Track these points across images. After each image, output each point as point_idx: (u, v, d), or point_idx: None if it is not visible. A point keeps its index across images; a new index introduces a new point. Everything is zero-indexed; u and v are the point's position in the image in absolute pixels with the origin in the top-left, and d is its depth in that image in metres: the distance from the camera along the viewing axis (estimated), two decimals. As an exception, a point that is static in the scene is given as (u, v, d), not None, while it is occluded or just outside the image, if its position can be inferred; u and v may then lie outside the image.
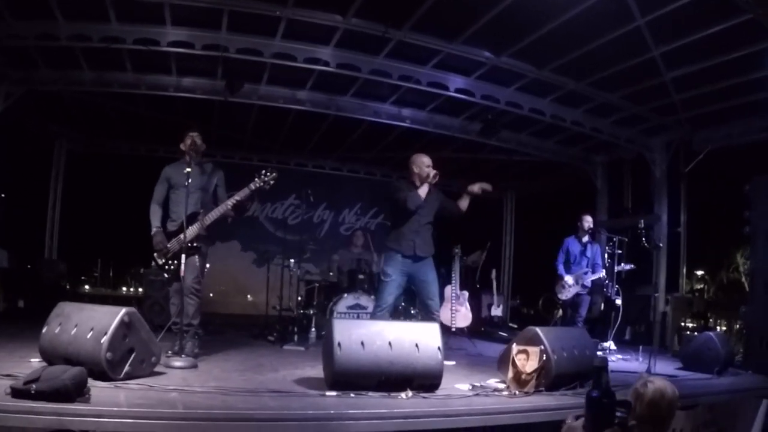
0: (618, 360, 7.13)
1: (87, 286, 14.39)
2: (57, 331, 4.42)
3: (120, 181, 10.71)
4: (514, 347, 4.88)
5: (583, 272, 7.91)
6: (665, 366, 6.49)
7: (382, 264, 6.33)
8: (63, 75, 8.15)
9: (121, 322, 4.23)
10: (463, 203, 6.31)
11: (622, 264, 7.78)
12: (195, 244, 5.49)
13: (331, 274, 8.94)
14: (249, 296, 11.37)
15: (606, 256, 7.76)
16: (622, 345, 8.44)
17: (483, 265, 10.27)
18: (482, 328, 9.95)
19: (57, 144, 10.95)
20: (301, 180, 11.81)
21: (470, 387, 4.81)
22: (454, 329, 8.15)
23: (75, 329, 4.33)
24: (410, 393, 4.29)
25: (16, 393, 3.38)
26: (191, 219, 5.44)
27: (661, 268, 9.20)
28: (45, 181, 10.71)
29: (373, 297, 7.87)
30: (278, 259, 8.73)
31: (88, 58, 7.86)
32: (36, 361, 4.49)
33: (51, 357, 4.34)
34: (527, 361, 4.81)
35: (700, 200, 9.91)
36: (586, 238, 8.08)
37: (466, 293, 8.42)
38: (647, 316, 8.92)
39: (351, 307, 7.85)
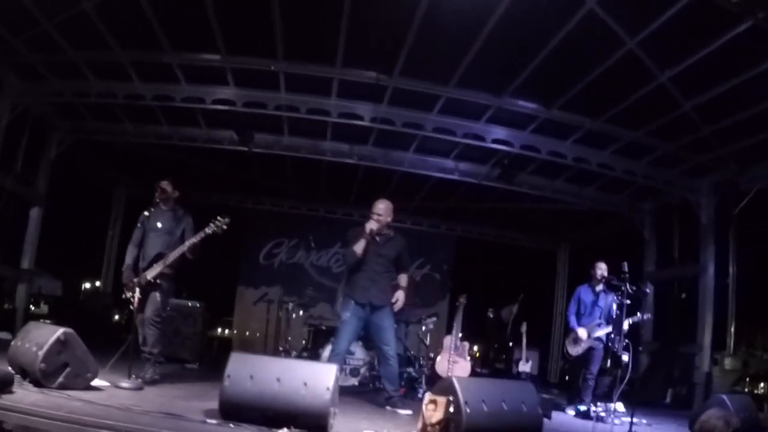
0: (621, 423, 6.26)
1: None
2: (18, 344, 5.05)
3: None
4: (426, 397, 4.59)
5: (595, 324, 7.23)
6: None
7: (339, 309, 6.35)
8: (106, 126, 9.33)
9: (57, 340, 4.75)
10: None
11: (638, 314, 6.93)
12: (158, 281, 5.94)
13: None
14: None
15: (614, 306, 7.00)
16: (662, 408, 7.56)
17: (515, 318, 9.69)
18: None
19: (117, 189, 12.19)
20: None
21: (376, 435, 4.60)
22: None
23: (27, 343, 4.91)
24: (285, 430, 4.19)
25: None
26: (156, 259, 5.96)
27: (705, 324, 8.17)
28: (105, 221, 11.87)
29: (361, 343, 7.85)
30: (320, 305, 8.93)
31: (127, 112, 8.96)
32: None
33: (13, 365, 4.94)
34: (434, 411, 4.46)
35: (757, 249, 8.65)
36: (599, 287, 7.41)
37: (466, 344, 8.07)
38: (690, 377, 7.88)
39: (337, 352, 7.81)
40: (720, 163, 8.27)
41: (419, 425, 4.54)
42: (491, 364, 10.42)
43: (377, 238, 6.18)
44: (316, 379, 4.43)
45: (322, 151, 9.57)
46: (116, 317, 11.44)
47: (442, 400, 4.43)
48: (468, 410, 4.27)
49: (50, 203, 9.47)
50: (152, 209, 6.15)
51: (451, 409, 4.35)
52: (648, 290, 6.03)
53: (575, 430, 5.92)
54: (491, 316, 9.47)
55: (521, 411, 4.62)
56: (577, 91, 7.21)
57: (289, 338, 8.72)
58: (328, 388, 4.39)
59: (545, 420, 5.63)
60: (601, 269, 7.40)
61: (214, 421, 4.29)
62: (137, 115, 9.05)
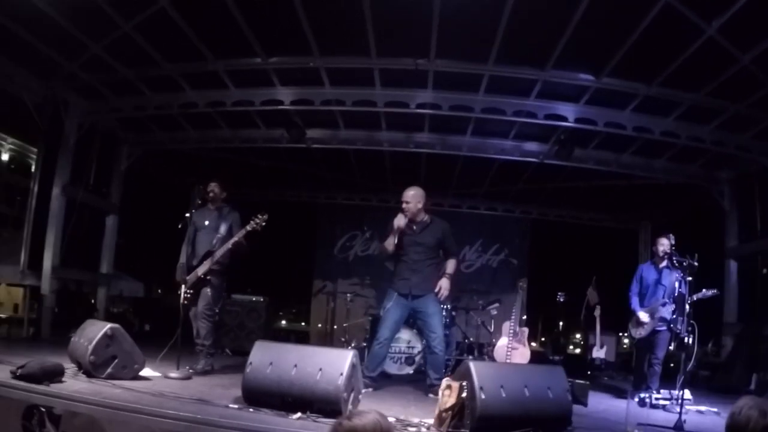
0: (686, 412, 5.70)
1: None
2: (75, 339, 5.59)
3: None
4: (444, 382, 4.50)
5: (660, 303, 6.70)
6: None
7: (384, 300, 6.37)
8: (171, 135, 9.92)
9: (104, 335, 5.21)
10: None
11: (703, 290, 6.32)
12: (207, 277, 6.29)
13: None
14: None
15: (677, 284, 6.40)
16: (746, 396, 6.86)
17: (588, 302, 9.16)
18: (588, 371, 8.78)
19: (193, 194, 12.74)
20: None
21: (394, 420, 4.50)
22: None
23: (82, 339, 5.42)
24: (299, 414, 4.29)
25: (13, 375, 4.49)
26: (206, 256, 6.30)
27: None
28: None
29: (414, 331, 7.78)
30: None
31: (189, 120, 9.47)
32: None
33: (72, 359, 5.50)
34: (449, 397, 4.36)
35: None
36: (663, 264, 6.85)
37: (525, 330, 7.78)
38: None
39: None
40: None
41: (436, 411, 4.46)
42: (563, 349, 9.97)
43: (414, 227, 6.15)
44: (331, 365, 4.51)
45: (379, 141, 9.60)
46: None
47: (456, 384, 4.33)
48: (483, 396, 4.13)
49: (132, 212, 10.19)
50: (194, 210, 6.51)
51: (464, 395, 4.22)
52: (696, 263, 5.43)
53: (610, 417, 5.50)
54: (561, 300, 9.05)
55: (546, 397, 4.42)
56: (622, 55, 6.70)
57: (348, 329, 8.82)
58: (341, 374, 4.44)
59: (581, 407, 5.37)
60: (663, 245, 6.81)
61: (235, 406, 4.50)
62: (198, 122, 9.52)
